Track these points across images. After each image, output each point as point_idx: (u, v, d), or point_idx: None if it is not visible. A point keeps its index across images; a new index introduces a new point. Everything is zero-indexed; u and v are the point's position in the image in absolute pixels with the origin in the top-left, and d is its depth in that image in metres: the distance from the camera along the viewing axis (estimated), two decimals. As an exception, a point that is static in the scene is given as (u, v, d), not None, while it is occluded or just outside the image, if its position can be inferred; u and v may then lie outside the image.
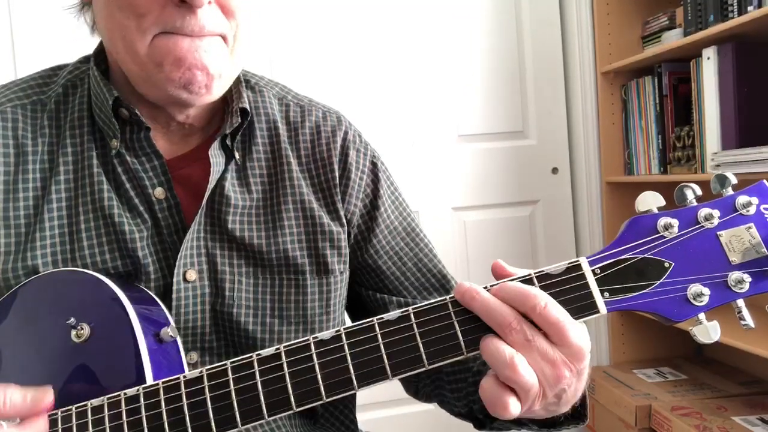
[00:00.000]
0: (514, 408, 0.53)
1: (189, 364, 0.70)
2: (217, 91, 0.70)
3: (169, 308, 0.70)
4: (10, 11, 1.95)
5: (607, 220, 2.30)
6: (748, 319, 0.55)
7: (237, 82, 0.78)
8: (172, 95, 0.68)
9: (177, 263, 0.72)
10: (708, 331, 0.55)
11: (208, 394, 0.56)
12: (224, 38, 0.69)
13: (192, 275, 0.72)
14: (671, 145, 2.07)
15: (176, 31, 0.65)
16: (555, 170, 2.37)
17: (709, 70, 1.82)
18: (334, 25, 2.18)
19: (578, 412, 0.65)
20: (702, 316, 0.55)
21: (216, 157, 0.74)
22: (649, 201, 0.57)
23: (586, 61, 2.29)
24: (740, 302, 0.55)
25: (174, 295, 0.71)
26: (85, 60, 0.79)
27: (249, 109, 0.77)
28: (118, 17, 0.66)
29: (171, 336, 0.65)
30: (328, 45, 2.17)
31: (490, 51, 2.30)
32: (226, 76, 0.70)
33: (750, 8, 1.66)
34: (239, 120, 0.76)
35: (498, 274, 0.58)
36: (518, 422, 0.67)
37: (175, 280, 0.71)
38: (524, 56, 2.34)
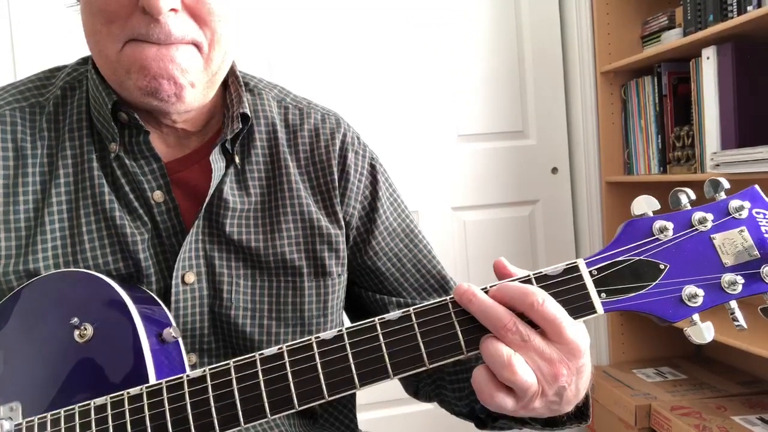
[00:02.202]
0: (502, 403, 0.54)
1: (189, 365, 0.71)
2: (192, 99, 0.69)
3: (169, 310, 0.70)
4: (10, 11, 1.95)
5: (606, 220, 2.30)
6: (741, 320, 0.56)
7: (237, 86, 0.78)
8: (143, 102, 0.68)
9: (176, 266, 0.72)
10: (702, 331, 0.56)
11: (211, 393, 0.56)
12: (198, 46, 0.68)
13: (190, 277, 0.73)
14: (671, 145, 2.07)
15: (143, 39, 0.64)
16: (555, 170, 2.38)
17: (708, 70, 1.83)
18: (333, 25, 2.18)
19: (581, 412, 0.65)
20: (696, 317, 0.56)
21: (217, 162, 0.74)
22: (644, 205, 0.58)
23: (585, 61, 2.30)
24: (733, 303, 0.56)
25: (173, 297, 0.71)
26: (84, 61, 0.79)
27: (250, 114, 0.77)
28: (91, 22, 0.66)
29: (174, 336, 0.65)
30: (327, 45, 2.18)
31: (489, 51, 2.31)
32: (200, 85, 0.69)
33: (750, 8, 1.66)
34: (240, 125, 0.76)
35: (500, 273, 0.59)
36: (521, 421, 0.68)
37: (173, 282, 0.72)
38: (524, 56, 2.34)
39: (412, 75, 2.24)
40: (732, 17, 1.72)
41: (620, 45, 2.25)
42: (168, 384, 0.57)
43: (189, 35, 0.66)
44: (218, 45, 0.69)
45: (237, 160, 0.77)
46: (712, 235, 0.57)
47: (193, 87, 0.68)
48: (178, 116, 0.73)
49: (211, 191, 0.74)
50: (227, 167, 0.76)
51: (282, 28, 2.14)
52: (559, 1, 2.36)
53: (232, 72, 0.79)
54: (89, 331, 0.63)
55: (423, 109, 2.26)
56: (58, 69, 0.79)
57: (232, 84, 0.79)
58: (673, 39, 1.98)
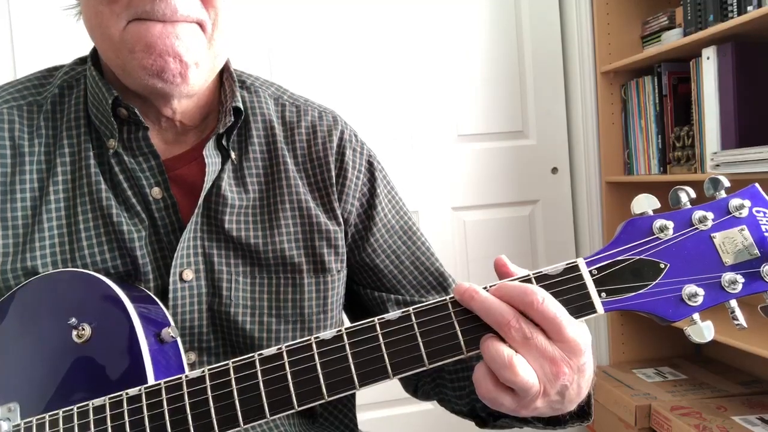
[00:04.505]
0: (503, 401, 0.54)
1: (188, 364, 0.71)
2: (195, 80, 0.69)
3: (167, 308, 0.70)
4: (10, 11, 1.95)
5: (606, 220, 2.30)
6: (741, 320, 0.56)
7: (231, 81, 0.78)
8: (147, 84, 0.67)
9: (173, 263, 0.72)
10: (702, 331, 0.56)
11: (210, 394, 0.56)
12: (202, 26, 0.68)
13: (188, 275, 0.73)
14: (671, 145, 2.07)
15: (148, 17, 0.64)
16: (555, 170, 2.37)
17: (708, 69, 1.83)
18: (333, 24, 2.18)
19: (583, 411, 0.65)
20: (696, 316, 0.56)
21: (211, 156, 0.74)
22: (644, 204, 0.58)
23: (585, 61, 2.30)
24: (733, 303, 0.56)
25: (171, 295, 0.71)
26: (81, 61, 0.79)
27: (242, 108, 0.77)
28: (93, 4, 0.66)
29: (172, 336, 0.65)
30: (328, 43, 2.18)
31: (489, 51, 2.31)
32: (204, 65, 0.69)
33: (750, 8, 1.66)
34: (232, 119, 0.76)
35: (500, 270, 0.59)
36: (522, 420, 0.68)
37: (171, 279, 0.71)
38: (524, 56, 2.34)
39: (411, 74, 2.24)
40: (732, 17, 1.72)
41: (620, 45, 2.25)
42: (167, 384, 0.57)
43: (194, 14, 0.67)
44: (221, 27, 0.69)
45: (233, 155, 0.77)
46: (712, 234, 0.57)
47: (197, 66, 0.68)
48: (179, 104, 0.73)
49: (207, 186, 0.73)
50: (224, 163, 0.76)
51: (282, 25, 2.14)
52: (559, 1, 2.36)
53: (226, 68, 0.80)
54: (87, 331, 0.63)
55: (422, 109, 2.26)
56: (56, 68, 0.80)
57: (226, 80, 0.79)
58: (673, 39, 1.98)
